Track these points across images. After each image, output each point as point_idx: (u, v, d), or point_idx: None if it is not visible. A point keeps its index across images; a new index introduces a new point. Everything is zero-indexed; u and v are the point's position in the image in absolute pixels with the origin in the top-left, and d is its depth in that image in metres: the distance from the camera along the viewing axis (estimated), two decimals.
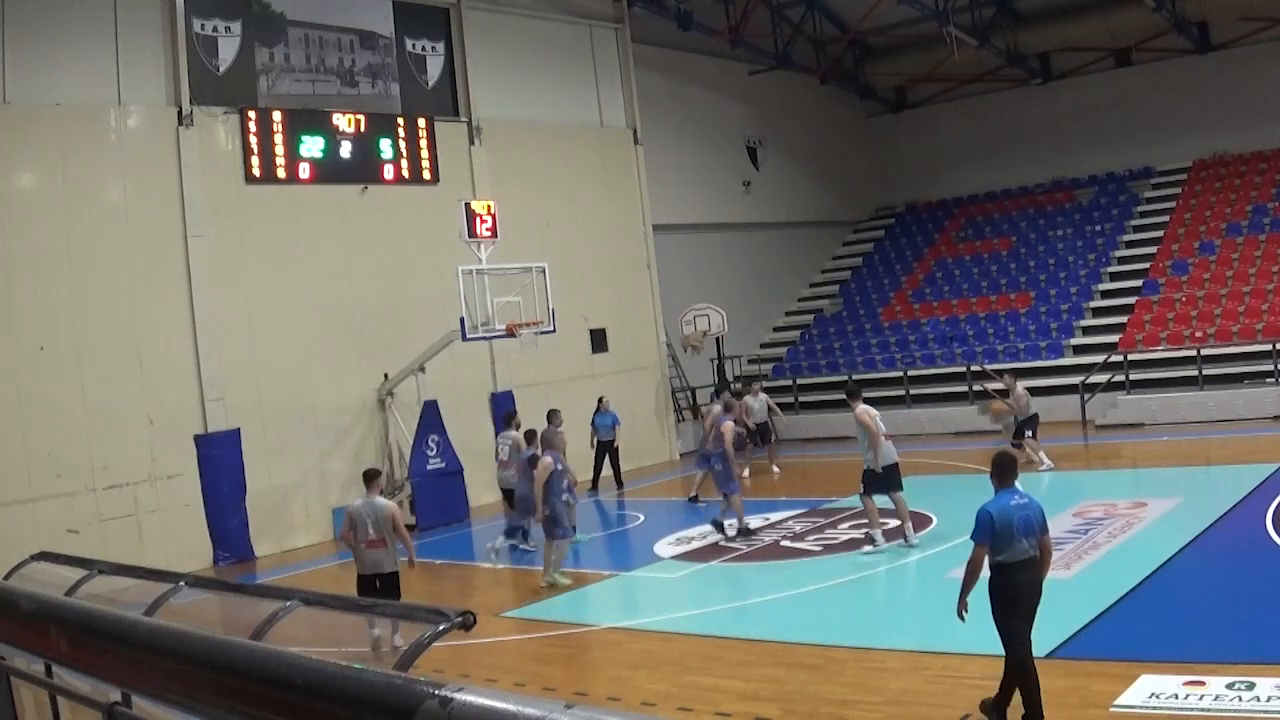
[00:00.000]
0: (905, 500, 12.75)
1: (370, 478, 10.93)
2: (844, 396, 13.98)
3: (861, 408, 12.93)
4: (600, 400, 20.17)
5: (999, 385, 19.02)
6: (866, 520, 12.85)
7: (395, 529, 10.58)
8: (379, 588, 10.57)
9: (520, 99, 21.75)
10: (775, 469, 20.13)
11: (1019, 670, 6.86)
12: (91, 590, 5.76)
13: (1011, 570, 6.84)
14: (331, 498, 18.11)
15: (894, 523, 12.74)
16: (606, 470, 20.11)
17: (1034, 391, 22.68)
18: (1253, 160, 26.83)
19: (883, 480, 12.66)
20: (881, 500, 12.78)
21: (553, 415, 15.78)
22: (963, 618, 6.99)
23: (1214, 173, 27.30)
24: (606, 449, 20.11)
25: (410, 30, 20.15)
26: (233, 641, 2.39)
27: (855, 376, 24.87)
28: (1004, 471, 7.16)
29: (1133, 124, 28.15)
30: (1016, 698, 6.94)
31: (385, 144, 19.27)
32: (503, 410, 17.98)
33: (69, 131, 15.65)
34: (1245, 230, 24.61)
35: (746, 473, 18.93)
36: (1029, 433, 17.56)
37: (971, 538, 6.94)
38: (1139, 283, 24.73)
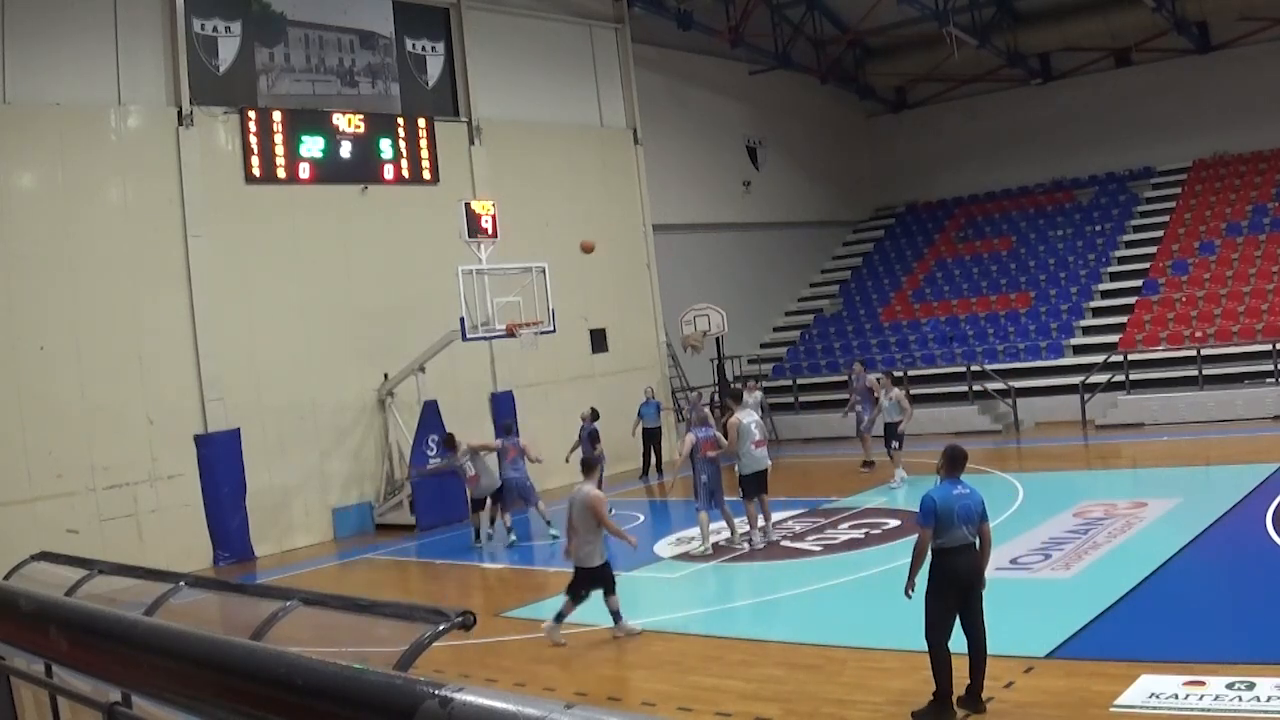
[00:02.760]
0: (767, 506, 13.70)
1: (587, 467, 10.83)
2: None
3: (734, 418, 13.84)
4: (647, 390, 20.76)
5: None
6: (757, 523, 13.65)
7: (599, 520, 10.15)
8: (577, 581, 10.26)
9: (520, 99, 21.75)
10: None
11: (932, 653, 7.23)
12: (91, 590, 5.75)
13: (949, 555, 7.28)
14: (331, 498, 18.13)
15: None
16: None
17: (1034, 392, 22.83)
18: (1253, 160, 26.83)
19: (750, 485, 13.55)
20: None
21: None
22: (909, 595, 7.44)
23: (1214, 173, 27.29)
24: (653, 436, 20.75)
25: (410, 30, 20.15)
26: (233, 641, 2.39)
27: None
28: (953, 463, 7.58)
29: (1133, 124, 28.15)
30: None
31: (385, 144, 19.27)
32: (501, 417, 18.40)
33: (69, 131, 15.65)
34: (1245, 230, 24.61)
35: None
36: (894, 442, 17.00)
37: (917, 522, 7.45)
38: (1139, 283, 24.73)
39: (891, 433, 17.01)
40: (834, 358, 26.45)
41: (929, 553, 7.36)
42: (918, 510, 7.44)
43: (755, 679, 8.70)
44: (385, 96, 19.59)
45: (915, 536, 7.53)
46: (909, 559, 7.52)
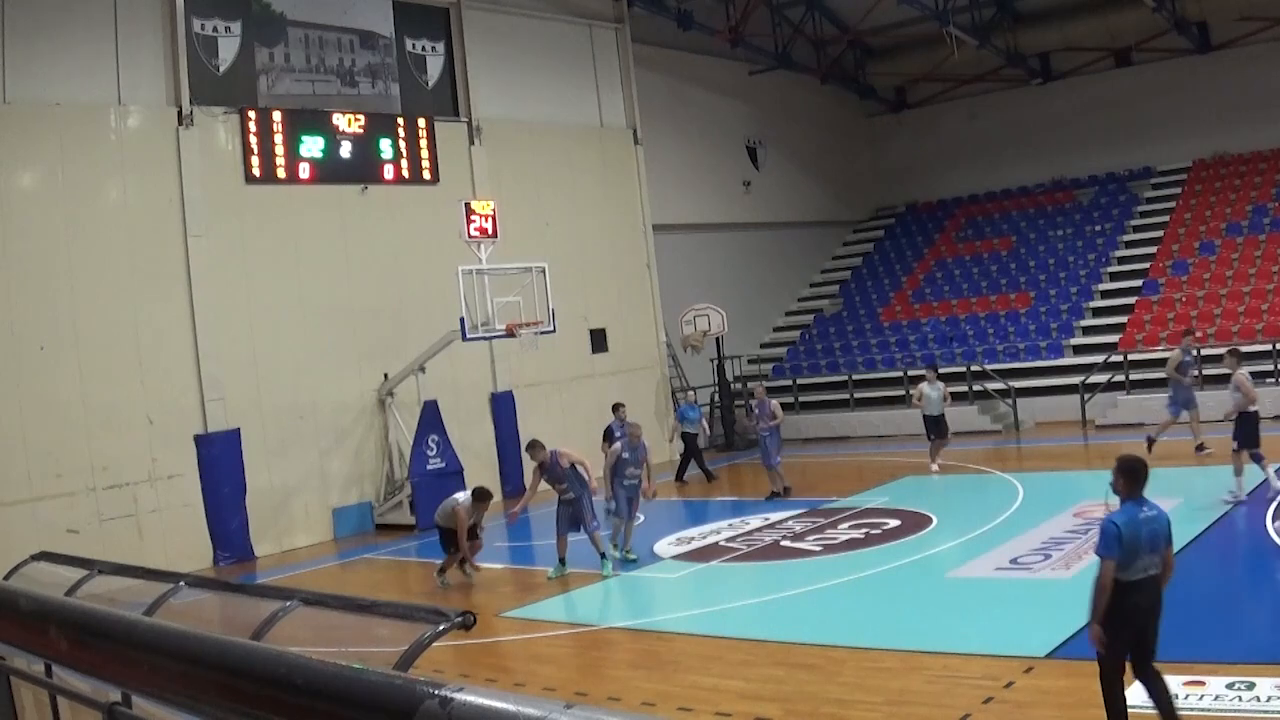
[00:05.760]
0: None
1: None
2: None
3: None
4: (688, 393, 20.04)
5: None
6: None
7: None
8: None
9: (520, 99, 21.75)
10: (935, 465, 18.42)
11: (1106, 696, 6.27)
12: (91, 590, 5.75)
13: (1129, 590, 6.11)
14: (331, 498, 18.12)
15: None
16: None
17: (1034, 392, 22.84)
18: (1253, 160, 26.83)
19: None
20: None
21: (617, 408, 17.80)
22: (1100, 646, 6.18)
23: (1214, 173, 27.29)
24: (691, 441, 20.22)
25: (410, 30, 20.15)
26: (233, 641, 2.39)
27: (855, 377, 24.92)
28: (1134, 478, 6.30)
29: (1133, 124, 28.14)
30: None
31: (385, 144, 19.27)
32: (501, 417, 18.10)
33: (69, 131, 15.65)
34: (1245, 230, 24.61)
35: (935, 465, 18.32)
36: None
37: (1097, 553, 6.24)
38: (1139, 283, 24.73)
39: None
40: (834, 358, 26.45)
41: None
42: (1098, 539, 6.28)
43: (755, 679, 8.70)
44: (385, 96, 19.59)
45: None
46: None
